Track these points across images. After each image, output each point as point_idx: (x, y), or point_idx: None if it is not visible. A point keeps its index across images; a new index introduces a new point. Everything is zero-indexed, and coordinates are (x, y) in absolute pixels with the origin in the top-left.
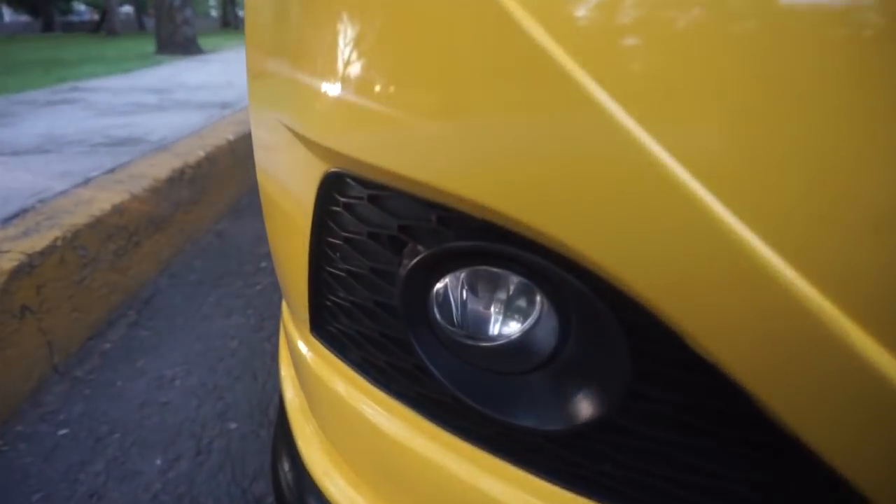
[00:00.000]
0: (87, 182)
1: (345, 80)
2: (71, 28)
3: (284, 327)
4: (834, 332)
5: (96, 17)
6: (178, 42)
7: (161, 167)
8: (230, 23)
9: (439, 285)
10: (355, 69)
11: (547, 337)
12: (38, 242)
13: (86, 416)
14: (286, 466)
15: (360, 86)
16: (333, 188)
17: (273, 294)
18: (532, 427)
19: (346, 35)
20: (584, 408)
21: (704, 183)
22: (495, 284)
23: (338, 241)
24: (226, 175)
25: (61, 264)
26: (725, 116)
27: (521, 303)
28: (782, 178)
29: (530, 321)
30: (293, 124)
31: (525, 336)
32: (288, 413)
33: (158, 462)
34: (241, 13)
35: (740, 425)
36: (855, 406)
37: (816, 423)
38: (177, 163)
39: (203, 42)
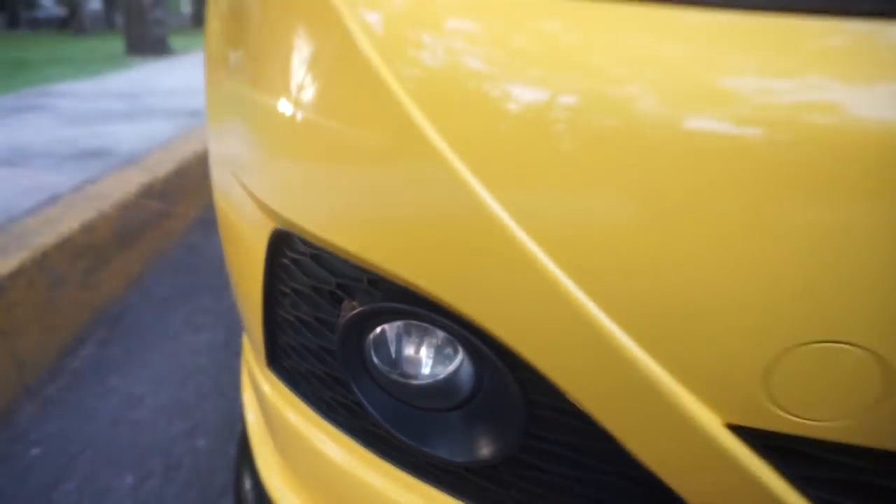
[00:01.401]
0: (55, 199)
1: (278, 151)
2: (37, 24)
3: (245, 357)
4: (654, 383)
5: (63, 12)
6: (148, 43)
7: (130, 182)
8: (203, 20)
9: (376, 331)
10: (284, 143)
11: (466, 381)
12: (7, 265)
13: (58, 435)
14: (247, 486)
15: (286, 156)
16: (282, 243)
17: None
18: (444, 458)
19: (277, 117)
20: (488, 446)
21: (541, 245)
22: (425, 332)
23: (287, 290)
24: (195, 188)
25: (30, 286)
26: (559, 185)
27: (448, 349)
28: (613, 256)
29: (453, 366)
30: (245, 181)
31: (448, 378)
32: (249, 436)
33: (130, 480)
34: None
35: (616, 462)
36: (682, 447)
37: (663, 463)
38: (146, 178)
39: (174, 41)
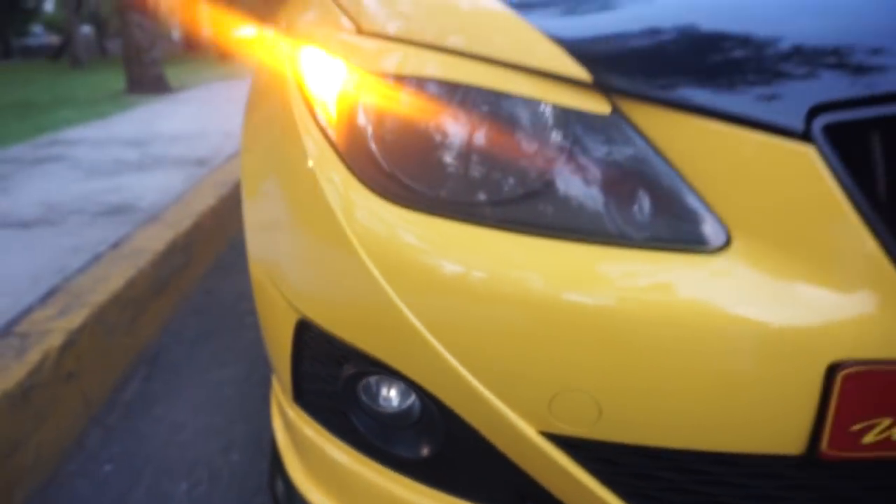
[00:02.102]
0: (98, 258)
1: (299, 269)
2: (30, 53)
3: (275, 392)
4: (499, 411)
5: (54, 39)
6: (147, 81)
7: (157, 239)
8: (192, 45)
9: (364, 381)
10: (302, 265)
11: (416, 410)
12: (75, 320)
13: (124, 454)
14: (280, 487)
15: (305, 273)
16: (304, 328)
17: (257, 347)
18: (405, 455)
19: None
20: (427, 446)
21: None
22: (392, 381)
23: (308, 355)
24: (209, 237)
25: (92, 336)
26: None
27: (406, 392)
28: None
29: (408, 402)
30: (277, 284)
31: (405, 409)
32: (280, 449)
33: (184, 486)
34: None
35: (494, 453)
36: (521, 446)
37: (517, 455)
38: (169, 234)
39: (169, 73)
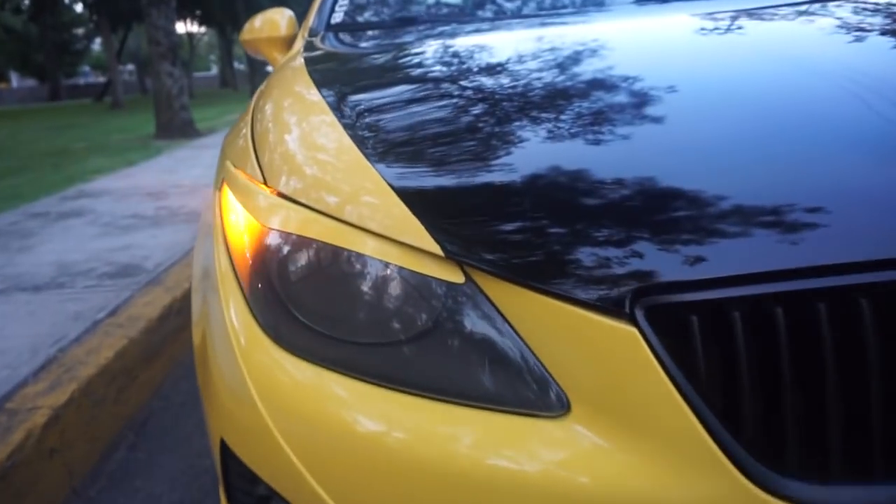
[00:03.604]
0: (95, 326)
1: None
2: (77, 93)
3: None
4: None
5: (101, 78)
6: (175, 126)
7: (154, 306)
8: (228, 82)
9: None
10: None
11: None
12: (61, 396)
13: None
14: None
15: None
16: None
17: None
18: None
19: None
20: None
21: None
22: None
23: (232, 466)
24: None
25: (78, 409)
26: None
27: None
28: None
29: None
30: (203, 398)
31: None
32: None
33: None
34: (238, 66)
35: None
36: None
37: None
38: (167, 299)
39: (199, 115)
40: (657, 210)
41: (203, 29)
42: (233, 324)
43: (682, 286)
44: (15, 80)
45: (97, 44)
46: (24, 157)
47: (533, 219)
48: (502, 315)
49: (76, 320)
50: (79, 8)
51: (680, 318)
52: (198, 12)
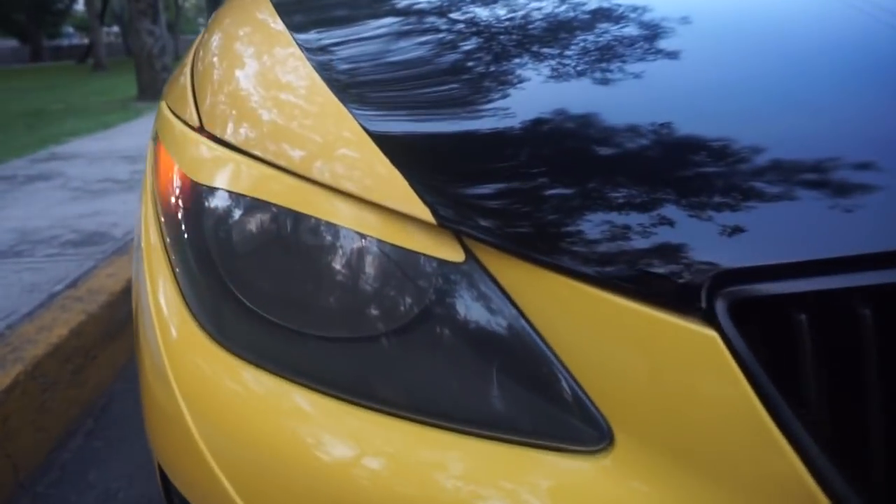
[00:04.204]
0: (51, 299)
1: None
2: (59, 54)
3: None
4: None
5: (85, 40)
6: (158, 88)
7: (118, 277)
8: None
9: None
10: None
11: None
12: (4, 380)
13: None
14: None
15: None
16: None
17: None
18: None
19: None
20: None
21: None
22: None
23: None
24: None
25: (23, 395)
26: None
27: None
28: None
29: None
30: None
31: None
32: None
33: None
34: None
35: None
36: None
37: None
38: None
39: None
40: (731, 171)
41: None
42: (161, 312)
43: (778, 271)
44: None
45: (80, 3)
46: None
47: (561, 180)
48: (516, 305)
49: (31, 292)
50: None
51: (775, 316)
52: None
